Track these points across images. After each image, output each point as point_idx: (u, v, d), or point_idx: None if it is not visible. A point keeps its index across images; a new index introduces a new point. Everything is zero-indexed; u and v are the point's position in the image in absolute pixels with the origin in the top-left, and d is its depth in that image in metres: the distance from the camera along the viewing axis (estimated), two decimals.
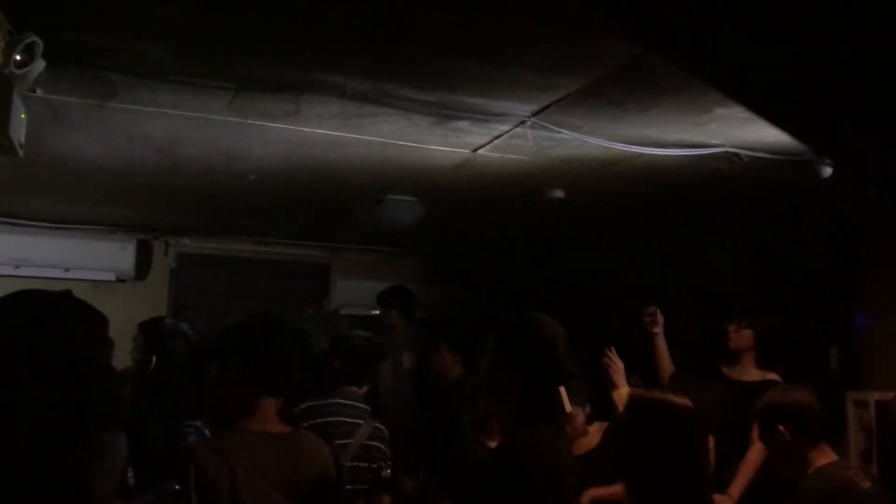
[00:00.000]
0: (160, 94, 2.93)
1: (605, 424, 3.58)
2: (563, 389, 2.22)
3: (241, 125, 3.25)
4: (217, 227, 6.13)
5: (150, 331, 3.62)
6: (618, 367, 3.51)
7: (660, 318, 3.91)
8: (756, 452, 3.40)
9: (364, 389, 3.25)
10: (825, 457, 2.52)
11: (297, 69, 2.68)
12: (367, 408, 3.19)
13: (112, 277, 6.02)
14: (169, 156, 3.81)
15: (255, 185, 4.34)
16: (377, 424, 3.15)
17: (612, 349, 3.57)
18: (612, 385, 3.49)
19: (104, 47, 2.53)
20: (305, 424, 3.01)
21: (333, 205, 4.93)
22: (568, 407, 2.28)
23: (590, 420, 3.54)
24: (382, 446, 3.12)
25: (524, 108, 3.01)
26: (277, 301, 6.41)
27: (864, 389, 4.05)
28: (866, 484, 2.44)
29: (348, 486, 3.04)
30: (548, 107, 2.96)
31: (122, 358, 3.85)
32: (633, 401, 2.10)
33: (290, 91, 2.85)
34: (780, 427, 2.51)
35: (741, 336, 3.84)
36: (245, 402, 2.03)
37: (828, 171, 3.47)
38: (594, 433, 3.48)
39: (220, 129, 3.32)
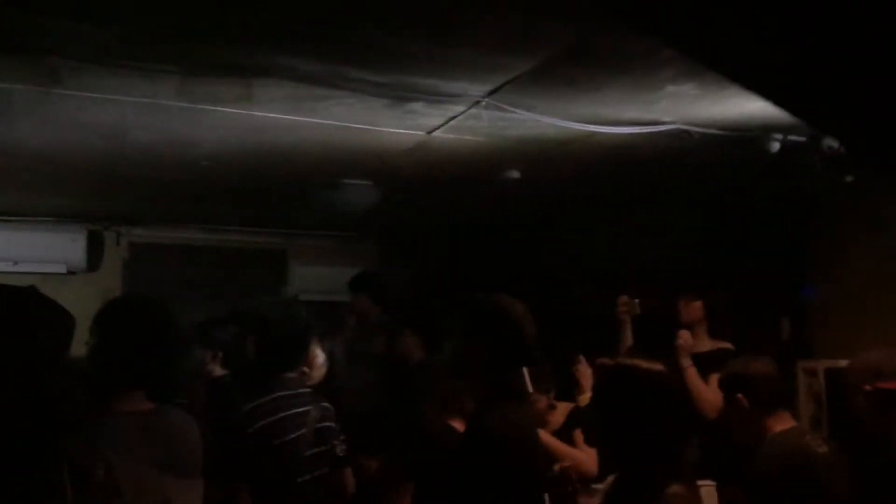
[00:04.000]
0: (106, 80, 2.86)
1: (572, 405, 3.63)
2: (526, 370, 2.34)
3: (191, 110, 3.19)
4: (170, 216, 6.03)
5: None
6: (586, 373, 3.59)
7: (633, 307, 3.94)
8: None
9: (298, 372, 3.17)
10: (783, 423, 2.60)
11: (246, 51, 2.63)
12: (309, 389, 3.15)
13: (63, 270, 5.90)
14: (118, 143, 3.73)
15: (207, 172, 4.27)
16: (324, 404, 3.13)
17: (582, 357, 3.63)
18: (580, 390, 3.62)
19: (46, 30, 2.46)
20: (252, 429, 2.95)
21: (288, 190, 4.88)
22: (530, 387, 2.42)
23: (554, 405, 3.59)
24: (332, 424, 3.11)
25: (478, 89, 3.01)
26: (234, 290, 6.35)
27: (814, 359, 4.16)
28: (822, 448, 2.52)
29: (307, 477, 3.03)
30: (501, 87, 2.96)
31: (77, 351, 3.78)
32: (604, 370, 2.10)
33: (240, 74, 2.81)
34: (739, 396, 2.58)
35: (691, 308, 3.93)
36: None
37: (776, 146, 3.54)
38: (559, 413, 3.52)
39: (170, 114, 3.26)
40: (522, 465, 2.24)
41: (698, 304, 3.93)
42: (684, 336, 3.80)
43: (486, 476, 2.17)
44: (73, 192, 5.00)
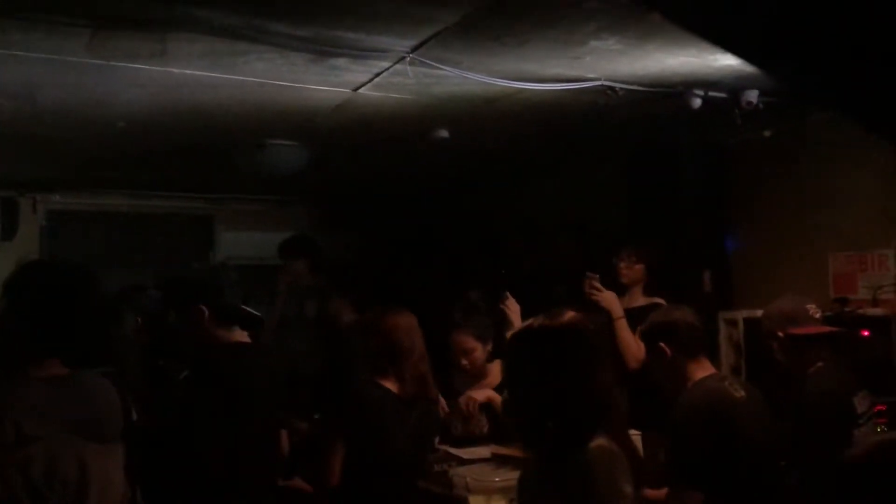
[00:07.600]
0: (9, 34, 2.72)
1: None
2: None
3: (103, 67, 3.06)
4: (89, 181, 5.82)
5: None
6: (514, 308, 3.60)
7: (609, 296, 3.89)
8: None
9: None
10: (703, 370, 2.68)
11: (159, 3, 2.53)
12: (245, 351, 3.11)
13: None
14: (27, 103, 3.56)
15: (124, 134, 4.12)
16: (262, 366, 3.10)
17: (509, 293, 3.64)
18: (510, 325, 3.60)
19: None
20: (196, 395, 2.91)
21: (211, 152, 4.74)
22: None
23: (491, 358, 3.61)
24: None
25: (403, 44, 2.96)
26: (159, 257, 6.18)
27: (734, 310, 4.31)
28: (740, 393, 2.62)
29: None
30: (427, 41, 2.92)
31: None
32: (512, 337, 2.05)
33: (154, 28, 2.70)
34: (661, 344, 2.65)
35: (633, 270, 3.99)
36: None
37: (697, 101, 3.60)
38: (496, 373, 3.54)
39: (81, 72, 3.12)
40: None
41: (640, 267, 4.00)
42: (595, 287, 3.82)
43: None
44: None
